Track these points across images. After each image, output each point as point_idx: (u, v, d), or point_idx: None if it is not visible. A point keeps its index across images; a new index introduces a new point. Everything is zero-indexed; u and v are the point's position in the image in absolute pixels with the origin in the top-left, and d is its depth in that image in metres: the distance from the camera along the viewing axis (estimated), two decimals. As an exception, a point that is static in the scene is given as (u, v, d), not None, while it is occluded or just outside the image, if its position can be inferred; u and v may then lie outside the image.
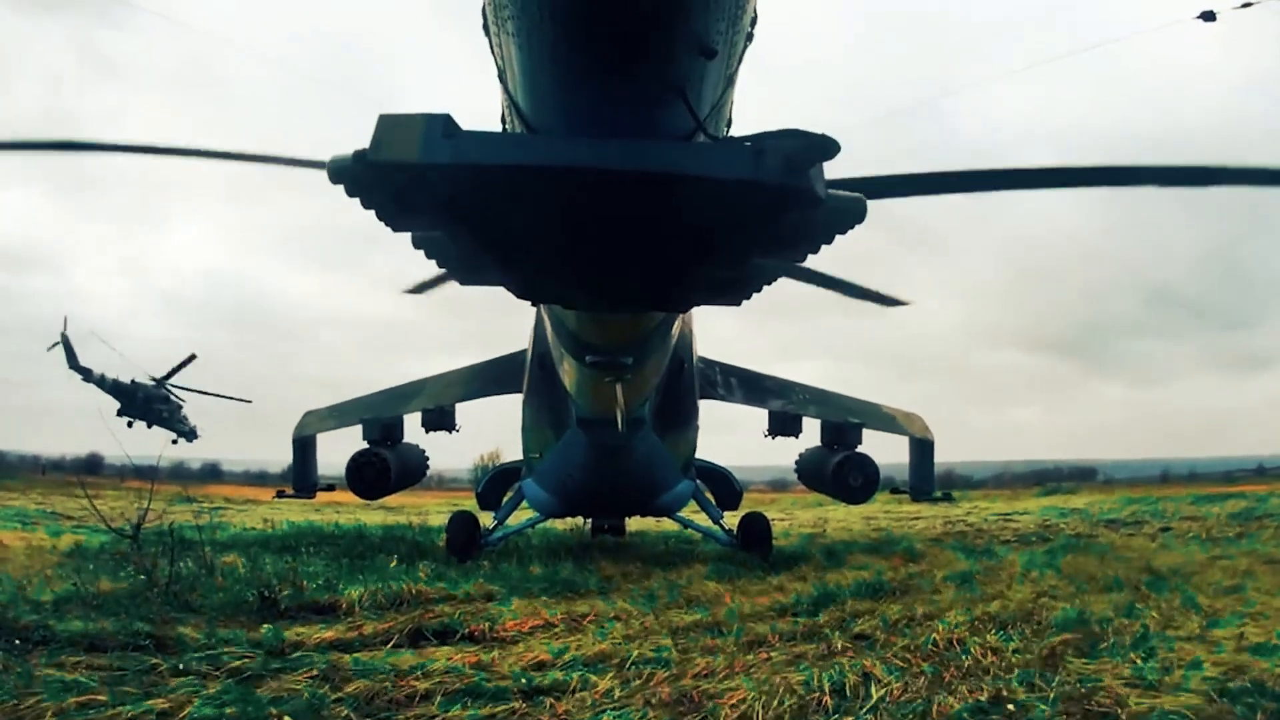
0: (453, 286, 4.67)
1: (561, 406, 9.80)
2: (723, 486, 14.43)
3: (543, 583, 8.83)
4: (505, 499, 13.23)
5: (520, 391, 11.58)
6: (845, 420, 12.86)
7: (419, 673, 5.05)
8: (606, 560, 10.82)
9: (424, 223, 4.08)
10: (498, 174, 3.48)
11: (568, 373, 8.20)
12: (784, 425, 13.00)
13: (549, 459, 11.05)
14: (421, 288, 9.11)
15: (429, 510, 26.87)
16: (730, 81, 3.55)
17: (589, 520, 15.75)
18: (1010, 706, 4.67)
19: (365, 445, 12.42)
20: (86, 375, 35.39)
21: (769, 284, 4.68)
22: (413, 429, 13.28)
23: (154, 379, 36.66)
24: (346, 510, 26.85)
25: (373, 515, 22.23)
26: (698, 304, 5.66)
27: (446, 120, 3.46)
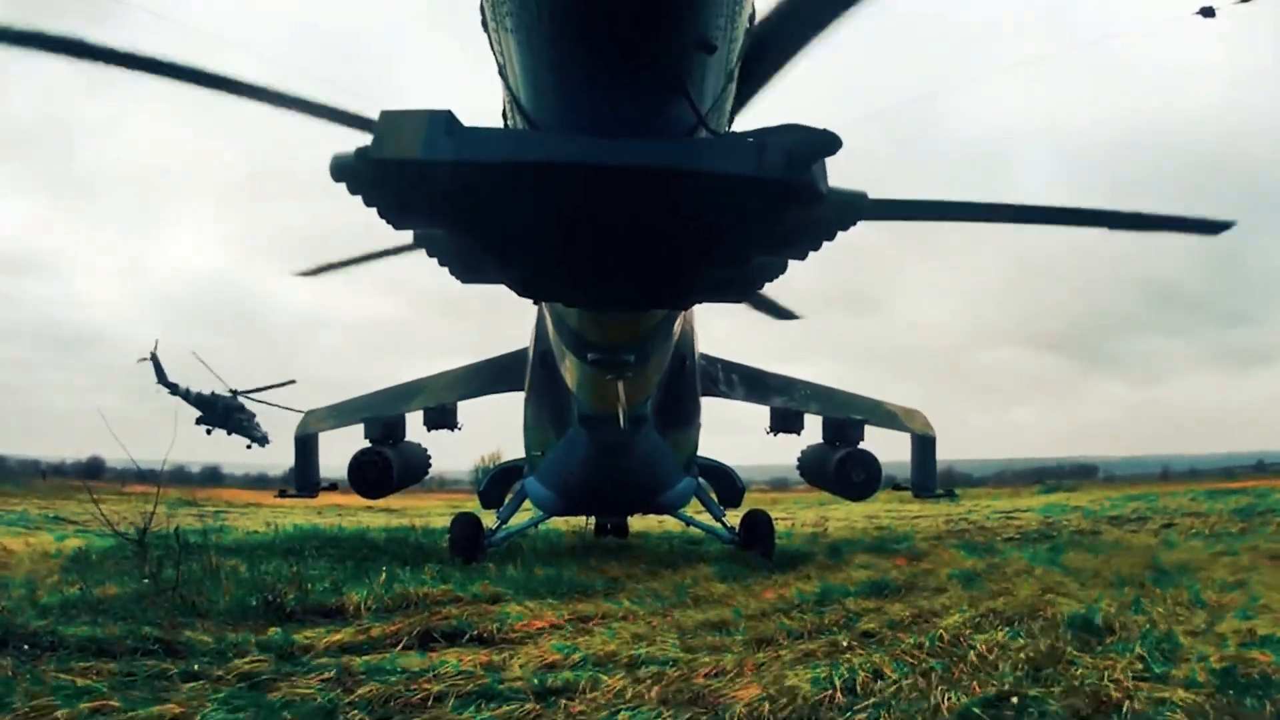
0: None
1: (563, 404, 9.82)
2: (725, 484, 14.44)
3: (549, 584, 8.84)
4: (507, 498, 13.22)
5: (522, 390, 11.61)
6: (847, 417, 12.89)
7: (430, 675, 5.07)
8: (611, 561, 10.84)
9: (425, 220, 4.07)
10: (499, 170, 3.48)
11: (569, 370, 8.22)
12: (786, 422, 13.03)
13: (551, 457, 11.07)
14: (319, 271, 8.66)
15: (430, 513, 26.89)
16: (731, 77, 3.54)
17: (591, 520, 15.77)
18: (1017, 700, 4.70)
19: (367, 444, 12.45)
20: (173, 389, 38.04)
21: (771, 281, 4.65)
22: (414, 428, 13.41)
23: (232, 391, 38.48)
24: (349, 512, 26.87)
25: (375, 518, 22.23)
26: (700, 301, 5.67)
27: (448, 117, 3.46)
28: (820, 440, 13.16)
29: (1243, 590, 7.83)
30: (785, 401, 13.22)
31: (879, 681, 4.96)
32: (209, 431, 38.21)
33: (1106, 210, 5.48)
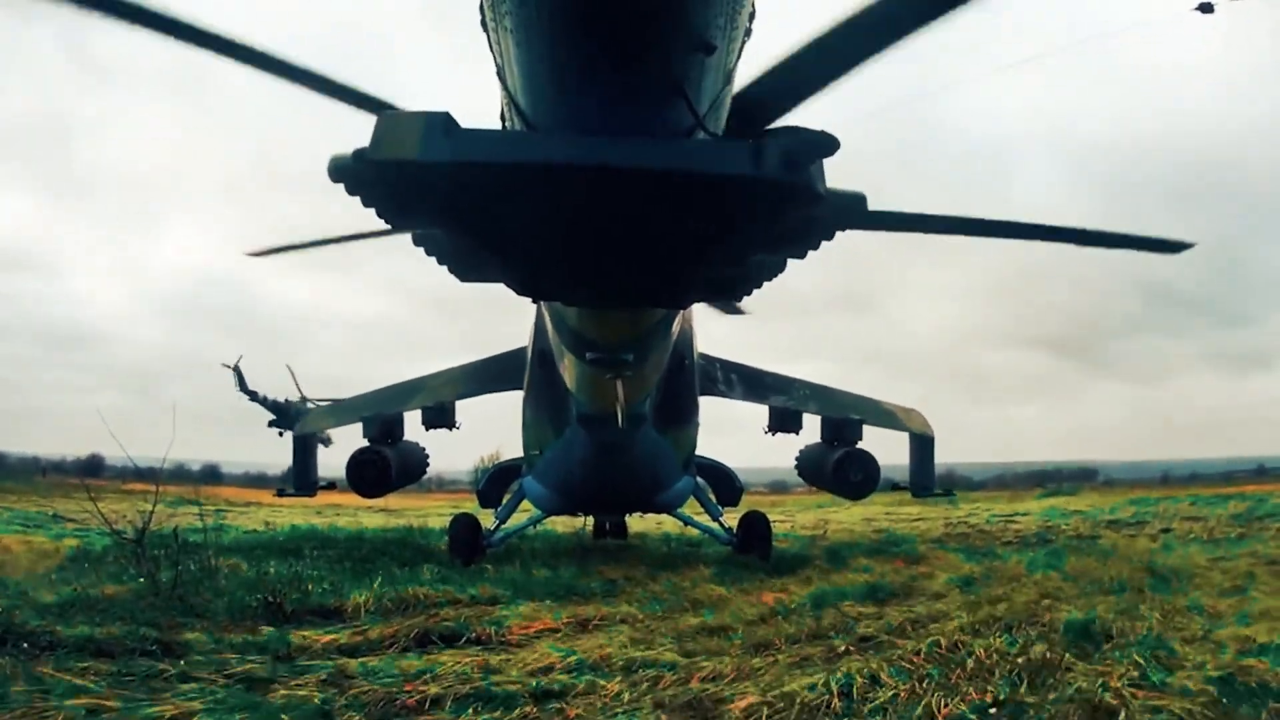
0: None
1: (562, 403, 9.83)
2: (723, 483, 14.45)
3: (547, 586, 8.84)
4: (506, 497, 13.22)
5: (520, 388, 11.62)
6: (845, 416, 12.91)
7: (427, 676, 5.07)
8: (610, 564, 10.84)
9: (424, 220, 4.10)
10: (498, 171, 3.50)
11: (568, 369, 8.26)
12: (784, 421, 13.03)
13: (550, 456, 11.07)
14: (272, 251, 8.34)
15: (429, 513, 26.89)
16: (729, 78, 3.56)
17: (589, 521, 15.77)
18: (1014, 708, 4.70)
19: (365, 443, 12.44)
20: (253, 397, 40.65)
21: (769, 281, 4.70)
22: (413, 427, 13.42)
23: (304, 397, 40.19)
24: (346, 512, 26.88)
25: (373, 518, 22.22)
26: (698, 301, 5.70)
27: (446, 118, 3.48)
28: (818, 440, 13.28)
29: (1241, 597, 7.81)
30: (784, 401, 13.24)
31: (876, 688, 4.95)
32: (280, 434, 40.24)
33: (1075, 228, 5.66)
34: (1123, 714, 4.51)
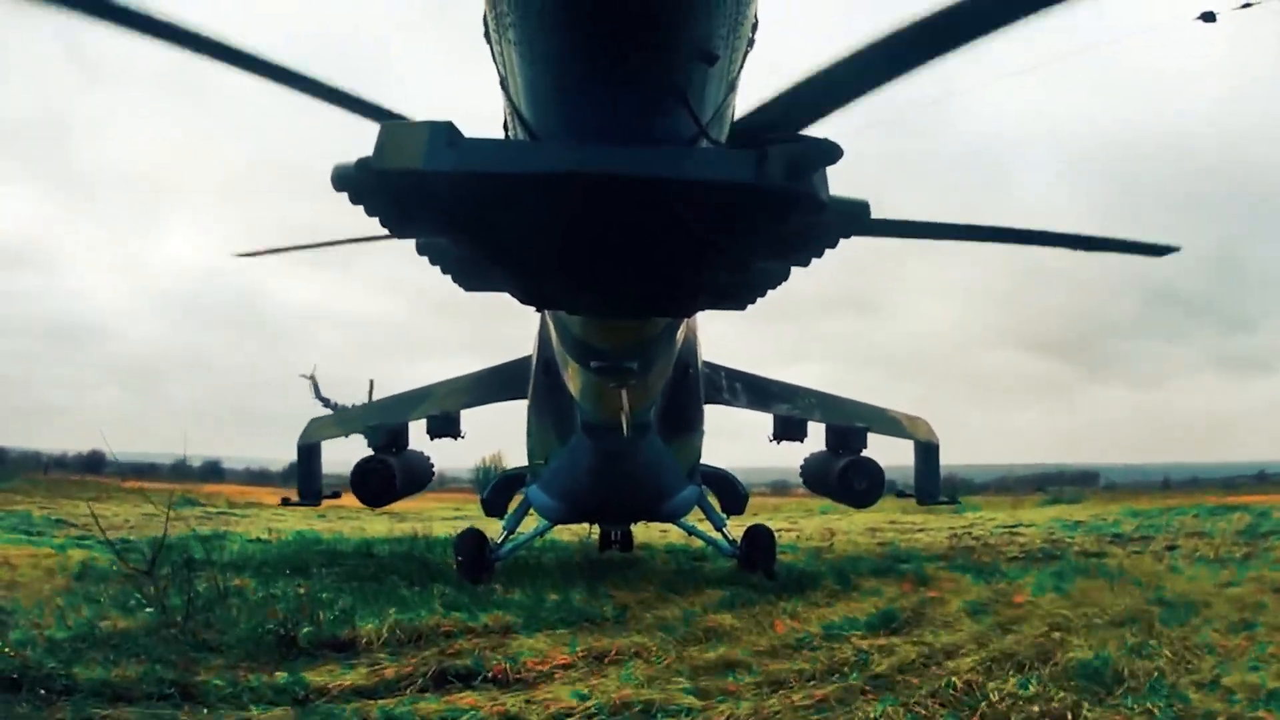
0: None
1: (567, 412, 9.85)
2: (728, 491, 14.47)
3: (558, 612, 8.84)
4: (511, 507, 13.24)
5: (525, 398, 11.64)
6: (850, 425, 12.92)
7: (447, 725, 5.07)
8: (619, 585, 10.83)
9: (428, 230, 4.12)
10: (501, 181, 3.52)
11: (573, 378, 8.28)
12: (789, 430, 13.07)
13: (555, 465, 11.08)
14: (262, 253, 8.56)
15: (432, 516, 26.93)
16: (732, 87, 3.59)
17: (594, 529, 15.81)
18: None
19: (370, 452, 12.53)
20: (327, 403, 43.66)
21: (773, 289, 4.74)
22: (417, 434, 13.47)
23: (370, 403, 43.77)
24: (349, 515, 26.84)
25: (376, 524, 22.21)
26: (702, 309, 5.78)
27: (449, 128, 3.50)
28: (823, 448, 13.24)
29: (1249, 635, 7.83)
30: (788, 409, 13.29)
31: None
32: (347, 435, 44.69)
33: (1068, 233, 5.75)
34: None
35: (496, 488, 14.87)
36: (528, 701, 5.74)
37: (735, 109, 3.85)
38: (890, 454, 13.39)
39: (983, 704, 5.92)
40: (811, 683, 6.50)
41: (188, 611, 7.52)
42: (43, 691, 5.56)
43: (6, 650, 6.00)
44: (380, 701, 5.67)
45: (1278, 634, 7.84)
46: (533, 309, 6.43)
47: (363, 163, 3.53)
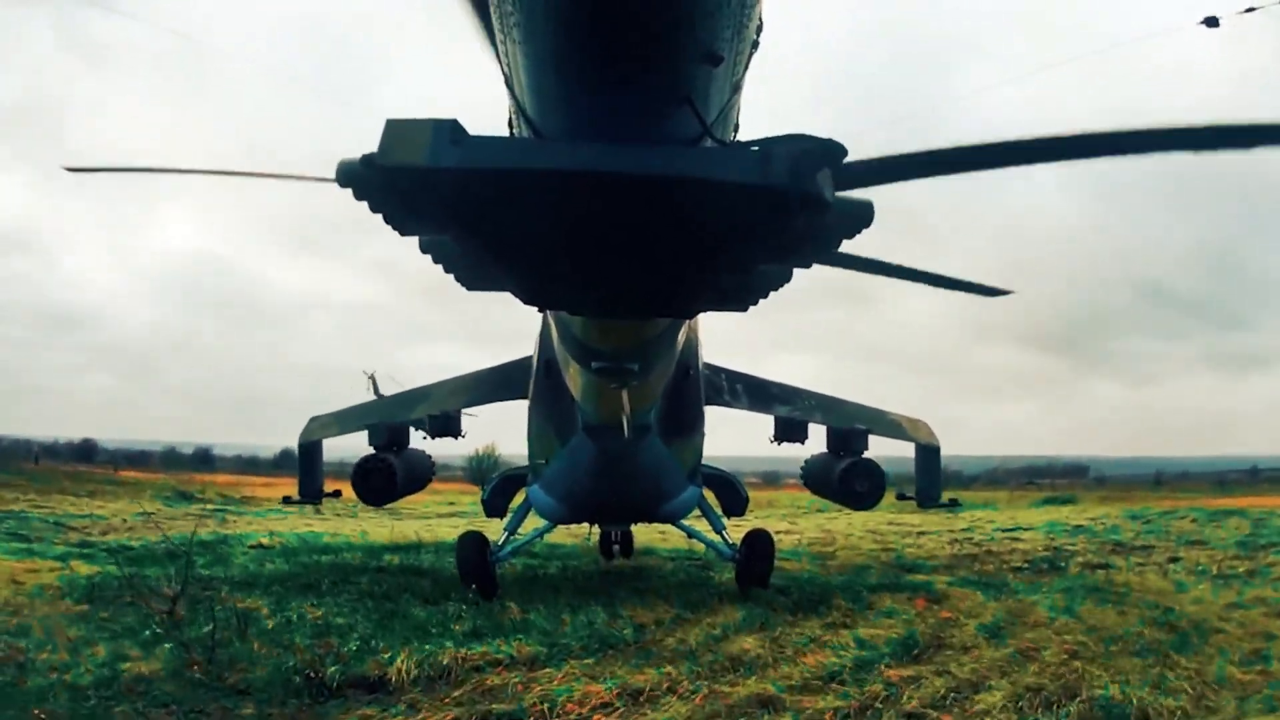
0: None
1: (567, 412, 9.85)
2: (728, 493, 14.53)
3: (578, 637, 8.83)
4: (511, 508, 13.25)
5: (526, 398, 11.63)
6: (851, 427, 12.97)
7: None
8: (633, 602, 10.83)
9: (431, 227, 4.12)
10: (505, 179, 3.52)
11: (574, 378, 8.30)
12: (790, 431, 13.13)
13: (555, 466, 11.10)
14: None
15: (430, 513, 26.90)
16: (737, 88, 3.61)
17: (594, 531, 15.85)
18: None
19: (371, 451, 12.55)
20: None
21: (776, 290, 4.74)
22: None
23: None
24: (347, 512, 26.72)
25: (377, 528, 22.10)
26: (704, 310, 5.82)
27: (454, 125, 3.49)
28: (824, 449, 13.32)
29: (1263, 669, 7.98)
30: (789, 411, 13.38)
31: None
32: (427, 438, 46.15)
33: (919, 269, 6.14)
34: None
35: (497, 488, 14.90)
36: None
37: (740, 110, 3.90)
38: (888, 452, 13.52)
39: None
40: (848, 721, 6.54)
41: (211, 649, 7.39)
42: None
43: (32, 709, 5.85)
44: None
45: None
46: (534, 309, 6.41)
47: (367, 159, 3.52)
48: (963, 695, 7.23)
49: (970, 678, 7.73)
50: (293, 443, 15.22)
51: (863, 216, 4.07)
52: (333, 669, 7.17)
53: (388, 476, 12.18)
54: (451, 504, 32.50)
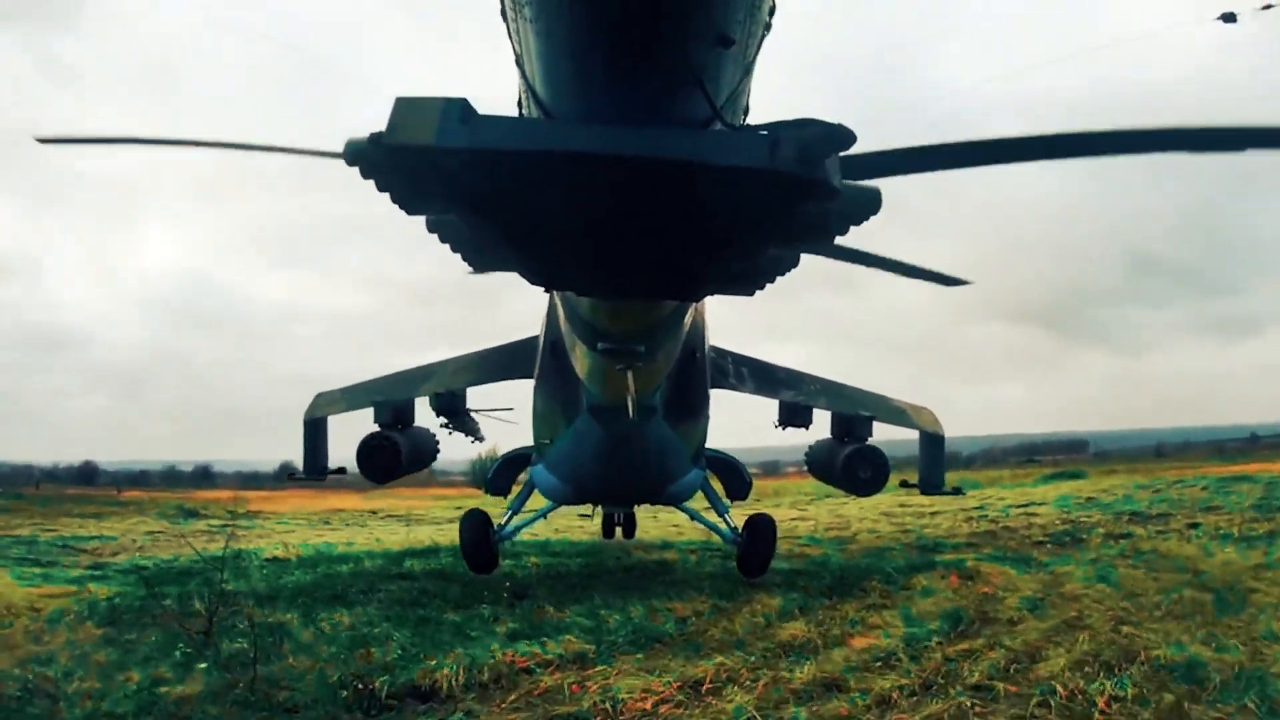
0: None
1: (573, 393, 9.82)
2: (732, 476, 14.53)
3: (622, 633, 8.70)
4: (515, 487, 13.17)
5: (531, 377, 11.54)
6: (855, 413, 12.96)
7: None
8: (666, 595, 10.72)
9: (439, 206, 4.07)
10: (514, 159, 3.49)
11: (580, 360, 8.30)
12: (794, 416, 13.09)
13: (560, 446, 11.05)
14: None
15: (441, 518, 26.52)
16: (748, 71, 3.59)
17: (596, 511, 15.74)
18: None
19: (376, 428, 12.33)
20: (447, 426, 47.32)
21: (783, 275, 4.72)
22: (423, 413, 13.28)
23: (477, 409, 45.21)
24: (355, 519, 26.39)
25: (391, 533, 21.81)
26: (711, 294, 5.73)
27: (463, 104, 3.46)
28: (828, 435, 13.26)
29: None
30: (794, 396, 13.32)
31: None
32: (450, 433, 46.76)
33: (880, 256, 6.36)
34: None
35: (501, 468, 14.80)
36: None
37: (750, 93, 3.86)
38: (889, 437, 13.51)
39: (1096, 712, 5.96)
40: (914, 698, 6.47)
41: (253, 666, 7.15)
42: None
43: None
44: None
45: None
46: (540, 289, 6.32)
47: (375, 137, 3.48)
48: (1023, 666, 7.22)
49: (1024, 649, 7.73)
50: (291, 455, 15.01)
51: (871, 203, 4.04)
52: (381, 680, 6.98)
53: (392, 454, 12.04)
54: (459, 508, 32.23)
